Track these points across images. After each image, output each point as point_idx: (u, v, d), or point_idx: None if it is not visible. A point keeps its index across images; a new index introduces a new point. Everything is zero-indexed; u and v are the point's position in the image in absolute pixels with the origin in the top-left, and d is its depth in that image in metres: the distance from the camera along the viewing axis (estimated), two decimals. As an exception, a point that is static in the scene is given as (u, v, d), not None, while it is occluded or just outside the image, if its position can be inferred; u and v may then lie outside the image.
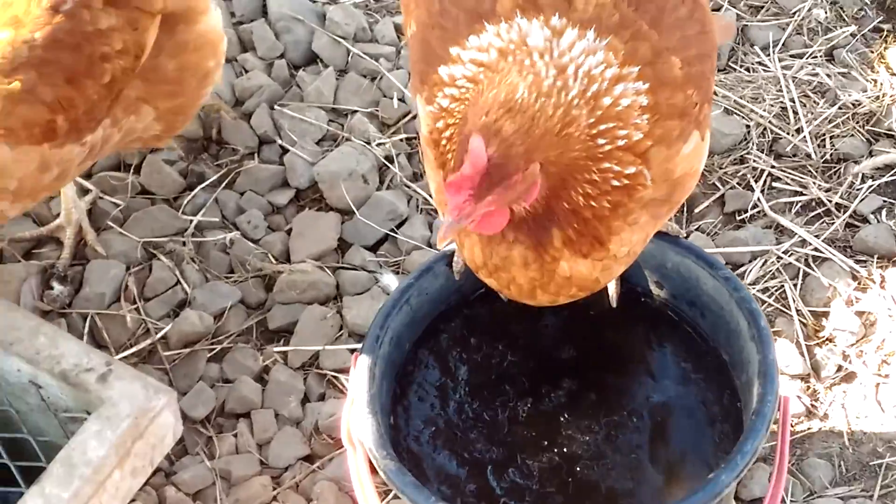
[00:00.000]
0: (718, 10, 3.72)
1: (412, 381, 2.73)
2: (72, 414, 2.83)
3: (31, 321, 2.93)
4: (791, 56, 3.69)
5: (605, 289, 2.74)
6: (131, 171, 3.44)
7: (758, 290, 3.20)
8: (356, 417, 2.52)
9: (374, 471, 2.57)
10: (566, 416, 2.67)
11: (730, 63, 3.67)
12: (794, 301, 3.17)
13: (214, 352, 3.18)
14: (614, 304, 2.75)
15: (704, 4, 2.62)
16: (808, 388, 3.09)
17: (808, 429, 3.05)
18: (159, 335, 3.16)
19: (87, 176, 3.41)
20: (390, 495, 2.87)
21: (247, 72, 3.59)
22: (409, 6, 2.73)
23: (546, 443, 2.63)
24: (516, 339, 2.79)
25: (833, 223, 3.30)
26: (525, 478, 2.59)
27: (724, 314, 2.60)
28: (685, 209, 3.38)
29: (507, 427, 2.66)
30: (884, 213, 3.34)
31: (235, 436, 3.05)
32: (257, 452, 3.03)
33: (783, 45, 3.70)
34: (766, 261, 3.23)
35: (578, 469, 2.59)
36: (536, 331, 2.74)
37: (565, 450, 2.63)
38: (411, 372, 2.74)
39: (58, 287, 3.20)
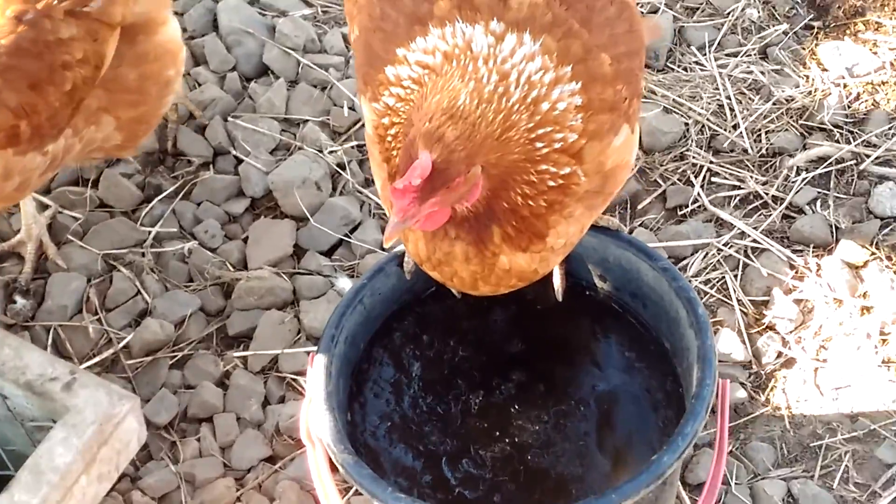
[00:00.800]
0: (655, 12, 3.72)
1: (367, 379, 2.75)
2: (38, 423, 2.84)
3: None
4: (726, 55, 3.72)
5: (551, 283, 2.79)
6: (89, 185, 3.44)
7: (700, 282, 3.24)
8: (314, 415, 2.52)
9: (333, 467, 2.59)
10: (516, 406, 2.69)
11: (668, 63, 3.70)
12: (734, 291, 3.20)
13: (176, 359, 3.19)
14: (560, 299, 2.78)
15: (632, 4, 2.67)
16: (750, 374, 3.12)
17: (750, 413, 3.05)
18: (121, 344, 3.18)
19: (46, 191, 3.42)
20: (351, 492, 2.89)
21: (200, 85, 3.61)
22: (353, 13, 2.76)
23: (498, 433, 2.65)
24: (467, 335, 2.81)
25: (770, 215, 3.35)
26: (478, 468, 2.62)
27: (664, 304, 2.64)
28: (628, 205, 3.42)
29: (460, 419, 2.69)
30: (818, 203, 3.38)
31: (198, 440, 3.07)
32: (220, 455, 3.05)
33: (718, 44, 3.72)
34: (707, 253, 3.27)
35: (529, 458, 2.62)
36: (486, 326, 2.77)
37: (516, 439, 2.65)
38: (366, 370, 2.76)
39: (20, 301, 3.21)
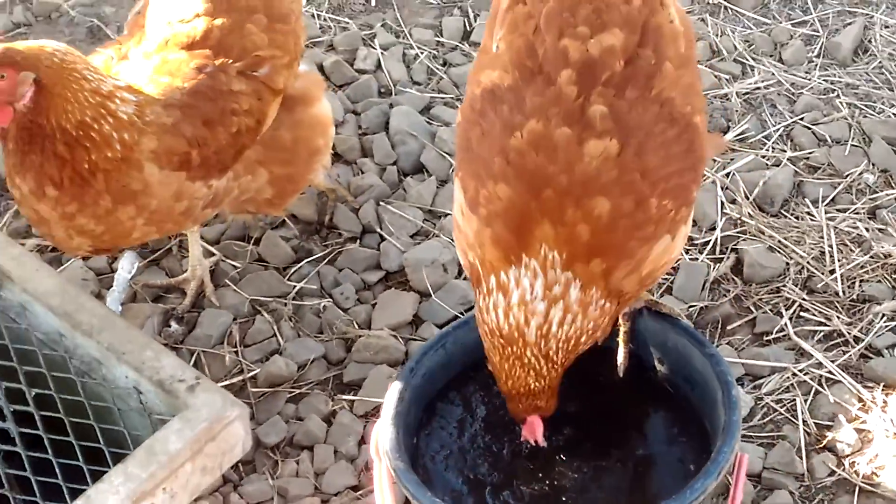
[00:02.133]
0: (778, 164, 3.82)
1: (437, 414, 2.88)
2: (162, 417, 3.01)
3: (143, 339, 3.11)
4: (837, 210, 3.74)
5: (615, 360, 2.90)
6: (251, 241, 3.67)
7: (772, 400, 3.28)
8: (382, 431, 2.68)
9: (394, 482, 2.71)
10: (562, 456, 2.80)
11: (782, 210, 3.74)
12: (801, 412, 3.24)
13: (293, 394, 3.34)
14: (621, 375, 2.88)
15: (696, 126, 2.71)
16: (801, 486, 3.12)
17: None
18: (250, 374, 3.36)
19: (215, 242, 3.66)
20: None
21: (363, 172, 3.80)
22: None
23: (540, 475, 2.76)
24: None
25: (849, 352, 3.37)
26: (517, 500, 2.75)
27: (709, 387, 2.72)
28: (719, 324, 3.47)
29: (510, 459, 2.80)
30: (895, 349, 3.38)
31: (297, 462, 3.20)
32: (313, 479, 3.16)
33: (832, 200, 3.75)
34: (783, 376, 3.32)
35: (564, 499, 2.73)
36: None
37: (556, 482, 2.75)
38: (439, 406, 2.89)
39: (175, 326, 3.46)
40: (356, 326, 3.48)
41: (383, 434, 2.68)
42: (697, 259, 3.57)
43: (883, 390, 3.30)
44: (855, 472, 3.16)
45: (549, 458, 2.81)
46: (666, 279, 3.54)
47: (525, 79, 2.61)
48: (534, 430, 2.70)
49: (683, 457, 2.73)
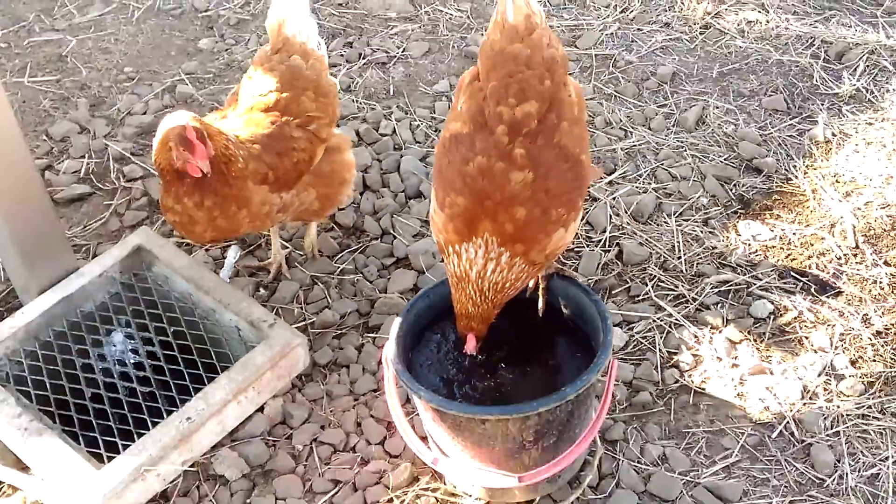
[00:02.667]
0: (646, 192, 3.70)
1: (424, 339, 2.90)
2: (252, 344, 3.13)
3: (241, 295, 3.26)
4: (683, 220, 3.67)
5: (537, 307, 2.88)
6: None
7: (640, 336, 3.27)
8: (388, 347, 2.73)
9: (398, 384, 2.77)
10: (502, 364, 2.83)
11: (648, 220, 3.66)
12: (658, 344, 3.25)
13: (337, 333, 3.32)
14: (541, 315, 2.88)
15: (583, 162, 2.68)
16: (658, 389, 3.13)
17: (651, 410, 3.08)
18: (310, 321, 3.37)
19: (289, 240, 3.64)
20: (412, 412, 2.93)
21: (383, 197, 3.79)
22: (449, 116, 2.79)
23: (488, 376, 2.81)
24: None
25: (689, 307, 3.35)
26: (473, 390, 2.78)
27: (594, 321, 2.74)
28: (608, 291, 3.42)
29: (469, 366, 2.82)
30: (719, 305, 3.33)
31: (339, 375, 3.20)
32: (349, 385, 3.18)
33: (679, 214, 3.68)
34: (647, 322, 3.31)
35: (503, 390, 2.78)
36: (496, 324, 2.74)
37: (497, 381, 2.80)
38: (425, 335, 2.90)
39: (262, 291, 3.48)
40: (377, 292, 3.48)
41: (389, 350, 2.73)
42: (594, 250, 3.56)
43: (710, 330, 3.31)
44: (691, 381, 3.17)
45: (494, 365, 2.83)
46: (575, 262, 3.52)
47: (476, 129, 2.60)
48: (470, 344, 2.70)
49: (579, 366, 2.75)
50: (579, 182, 2.67)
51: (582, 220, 2.83)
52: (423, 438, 2.85)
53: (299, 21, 3.28)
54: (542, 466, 2.68)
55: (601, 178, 3.79)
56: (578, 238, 3.60)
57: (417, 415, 2.90)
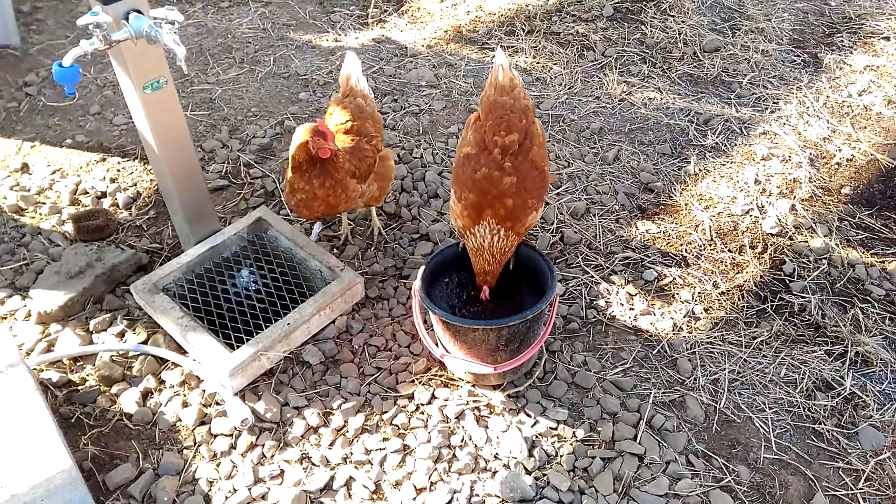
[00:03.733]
0: (579, 201, 3.62)
1: (438, 280, 2.84)
2: (328, 281, 3.05)
3: (323, 250, 3.17)
4: (602, 218, 3.59)
5: (510, 263, 2.78)
6: (368, 220, 3.57)
7: (572, 288, 3.20)
8: (417, 283, 2.69)
9: (421, 308, 2.76)
10: (486, 298, 2.75)
11: (581, 217, 3.57)
12: (584, 294, 3.20)
13: (382, 279, 3.23)
14: (510, 268, 2.84)
15: (545, 171, 2.60)
16: (583, 322, 3.08)
17: (578, 334, 3.01)
18: (364, 271, 3.24)
19: (352, 220, 3.55)
20: (429, 328, 2.85)
21: (412, 196, 3.69)
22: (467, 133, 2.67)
23: (478, 305, 2.77)
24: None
25: (604, 271, 3.27)
26: (467, 313, 2.74)
27: (544, 273, 2.68)
28: (553, 260, 3.34)
29: (465, 298, 2.80)
30: (623, 269, 3.34)
31: (383, 304, 3.11)
32: (388, 311, 3.08)
33: (601, 214, 3.61)
34: (577, 280, 3.26)
35: (486, 312, 2.74)
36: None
37: (482, 308, 2.76)
38: (439, 279, 2.85)
39: (335, 251, 3.38)
40: (408, 254, 3.43)
41: (416, 286, 2.69)
42: (546, 235, 3.51)
43: (617, 287, 3.26)
44: (603, 316, 3.14)
45: (479, 300, 2.76)
46: (534, 240, 3.45)
47: (480, 151, 2.57)
48: (485, 292, 2.69)
49: (534, 301, 2.69)
50: (544, 184, 2.62)
51: (540, 215, 2.85)
52: (435, 343, 2.81)
53: (358, 76, 3.21)
54: (509, 361, 2.66)
55: (555, 185, 3.75)
56: (537, 227, 3.59)
57: (431, 329, 2.85)
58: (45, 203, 3.47)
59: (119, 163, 3.76)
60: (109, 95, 4.45)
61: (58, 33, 4.83)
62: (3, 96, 4.26)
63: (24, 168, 3.68)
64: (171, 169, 2.86)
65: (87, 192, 3.53)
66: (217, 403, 2.73)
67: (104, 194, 3.54)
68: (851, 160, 3.80)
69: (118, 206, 3.48)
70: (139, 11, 2.31)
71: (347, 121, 3.06)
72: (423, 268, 2.73)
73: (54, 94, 4.41)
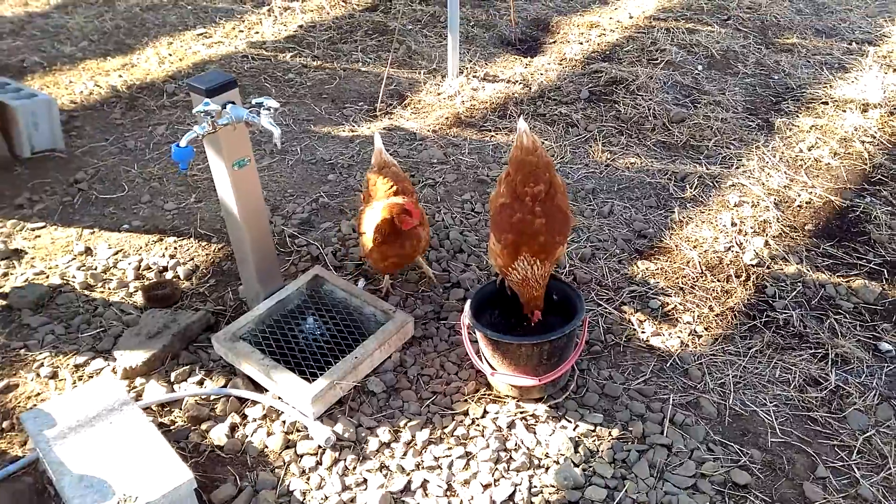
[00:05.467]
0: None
1: (482, 311, 3.00)
2: (383, 323, 3.19)
3: (375, 297, 3.27)
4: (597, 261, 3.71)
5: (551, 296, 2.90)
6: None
7: (590, 318, 3.30)
8: (465, 313, 2.90)
9: (471, 337, 2.94)
10: (524, 324, 2.99)
11: (591, 262, 3.67)
12: (601, 322, 3.30)
13: (423, 322, 3.32)
14: (554, 297, 2.99)
15: (568, 213, 2.75)
16: (604, 346, 3.19)
17: (601, 355, 3.16)
18: (416, 311, 3.38)
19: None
20: (476, 351, 2.93)
21: (440, 252, 3.67)
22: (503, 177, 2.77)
23: (518, 328, 2.99)
24: (514, 305, 3.01)
25: (616, 302, 3.40)
26: (510, 334, 2.78)
27: (572, 300, 2.91)
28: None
29: (507, 324, 3.02)
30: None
31: (426, 341, 3.28)
32: (434, 346, 3.19)
33: (591, 259, 3.68)
34: (594, 312, 3.33)
35: (524, 332, 2.88)
36: (519, 305, 2.87)
37: (520, 329, 2.94)
38: (483, 309, 3.01)
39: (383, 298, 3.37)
40: (445, 300, 3.43)
41: (466, 314, 2.89)
42: (562, 276, 3.40)
43: (627, 316, 3.41)
44: (620, 340, 3.30)
45: (520, 324, 2.99)
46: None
47: (514, 200, 2.75)
48: (537, 315, 2.80)
49: (565, 323, 2.84)
50: (567, 224, 2.81)
51: (565, 249, 2.99)
52: (484, 363, 2.89)
53: (384, 151, 3.45)
54: (550, 372, 2.81)
55: (576, 228, 3.82)
56: (556, 269, 3.58)
57: (478, 352, 2.94)
58: (112, 279, 3.58)
59: (175, 241, 3.87)
60: (157, 186, 4.69)
61: (97, 137, 4.95)
62: (57, 192, 4.28)
63: (88, 251, 3.80)
64: (249, 234, 3.08)
65: (151, 268, 3.66)
66: (298, 430, 2.84)
67: (166, 268, 3.66)
68: (810, 202, 4.08)
69: (180, 277, 3.60)
70: (233, 103, 2.71)
71: (392, 185, 3.27)
72: (469, 301, 2.92)
73: (104, 188, 4.66)
